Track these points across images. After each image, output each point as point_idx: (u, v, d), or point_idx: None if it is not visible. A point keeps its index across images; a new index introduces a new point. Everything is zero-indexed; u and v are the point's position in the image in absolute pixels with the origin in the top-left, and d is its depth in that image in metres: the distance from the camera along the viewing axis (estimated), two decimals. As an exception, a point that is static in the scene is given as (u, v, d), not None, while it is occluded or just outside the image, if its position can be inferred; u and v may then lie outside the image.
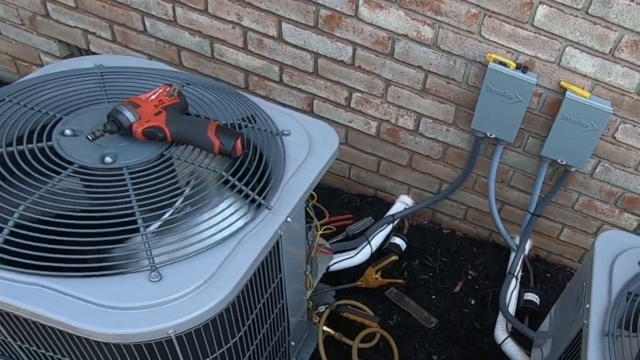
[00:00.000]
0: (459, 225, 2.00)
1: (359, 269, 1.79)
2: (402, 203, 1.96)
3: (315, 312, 1.63)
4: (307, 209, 1.30)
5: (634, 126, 1.51)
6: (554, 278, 1.93)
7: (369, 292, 1.78)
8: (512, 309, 1.69)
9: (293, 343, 1.46)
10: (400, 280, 1.79)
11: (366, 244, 1.81)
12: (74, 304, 0.82)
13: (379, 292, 1.80)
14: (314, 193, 1.27)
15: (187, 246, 0.90)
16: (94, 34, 1.91)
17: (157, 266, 0.87)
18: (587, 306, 0.97)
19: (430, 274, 1.87)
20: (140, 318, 0.82)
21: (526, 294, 1.76)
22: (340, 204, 2.07)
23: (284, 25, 1.63)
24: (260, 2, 1.60)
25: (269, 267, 1.08)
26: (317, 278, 1.50)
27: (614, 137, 1.55)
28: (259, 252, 0.95)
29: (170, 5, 1.71)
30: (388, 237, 1.90)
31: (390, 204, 2.00)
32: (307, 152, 1.14)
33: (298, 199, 1.05)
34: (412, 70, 1.60)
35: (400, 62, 1.59)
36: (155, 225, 0.90)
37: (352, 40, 1.60)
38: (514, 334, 1.64)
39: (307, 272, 1.33)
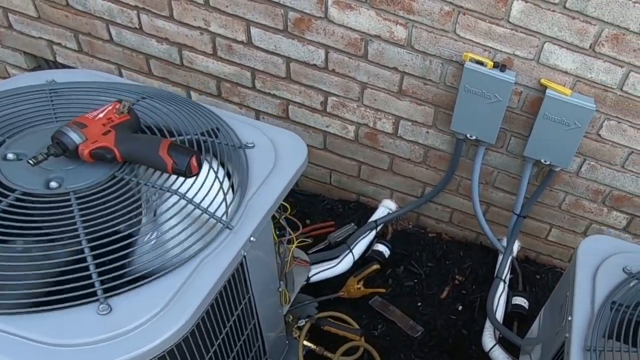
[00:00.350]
0: (445, 228, 1.96)
1: (343, 278, 1.75)
2: (386, 208, 1.92)
3: (296, 326, 1.59)
4: (280, 221, 1.26)
5: (619, 122, 1.47)
6: (543, 279, 1.89)
7: (352, 302, 1.74)
8: (500, 313, 1.65)
9: None
10: (383, 290, 1.75)
11: (348, 253, 1.77)
12: (16, 343, 0.77)
13: (363, 301, 1.75)
14: (286, 204, 1.23)
15: (140, 273, 0.86)
16: (59, 44, 1.86)
17: (106, 297, 0.82)
18: (570, 318, 0.93)
19: (416, 280, 1.83)
20: (88, 355, 0.77)
21: (514, 298, 1.72)
22: (322, 211, 2.03)
23: (253, 30, 1.59)
24: (227, 6, 1.55)
25: (235, 288, 1.04)
26: (295, 292, 1.46)
27: (599, 135, 1.51)
28: (218, 277, 0.90)
29: (135, 12, 1.66)
30: (371, 243, 1.86)
31: (373, 209, 1.96)
32: (273, 165, 1.09)
33: (262, 217, 1.00)
34: (387, 72, 1.56)
35: (375, 64, 1.55)
36: (103, 253, 0.85)
37: (324, 43, 1.55)
38: (503, 341, 1.60)
39: (280, 289, 1.29)
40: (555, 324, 1.18)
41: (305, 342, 1.56)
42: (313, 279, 1.71)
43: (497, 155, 1.65)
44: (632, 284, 0.92)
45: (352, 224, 1.93)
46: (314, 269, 1.71)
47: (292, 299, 1.44)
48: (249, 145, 1.11)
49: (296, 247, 1.39)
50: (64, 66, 1.94)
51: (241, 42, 1.63)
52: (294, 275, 1.47)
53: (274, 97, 1.76)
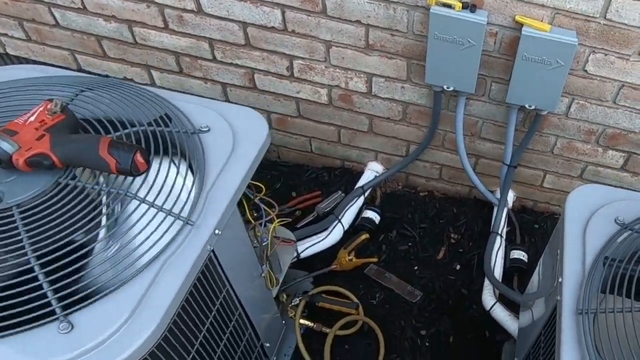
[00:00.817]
0: (436, 185, 1.94)
1: (335, 250, 1.74)
2: (372, 171, 1.89)
3: (290, 305, 1.59)
4: (257, 203, 1.23)
5: (605, 55, 1.41)
6: (542, 228, 1.88)
7: (347, 274, 1.74)
8: (498, 270, 1.65)
9: (268, 344, 1.42)
10: (375, 259, 1.74)
11: (337, 223, 1.75)
12: (-26, 375, 0.76)
13: (358, 271, 1.75)
14: (260, 185, 1.20)
15: (99, 285, 0.84)
16: (5, 34, 1.78)
17: (65, 315, 0.80)
18: (560, 280, 0.91)
19: (410, 244, 1.82)
20: (52, 378, 0.76)
21: (513, 252, 1.71)
22: (307, 181, 2.00)
23: (201, -4, 1.51)
24: (169, -27, 1.47)
25: (209, 283, 1.02)
26: (282, 273, 1.45)
27: (585, 71, 1.46)
28: (184, 278, 0.88)
29: (74, -9, 1.58)
30: (361, 210, 1.83)
31: (360, 174, 1.93)
32: (231, 148, 1.05)
33: (225, 207, 0.97)
34: (350, 27, 1.49)
35: (336, 19, 1.48)
36: (57, 268, 0.83)
37: (278, 2, 1.47)
38: (504, 297, 1.60)
39: (263, 274, 1.27)
40: (550, 281, 1.17)
41: (302, 321, 1.56)
42: (304, 255, 1.69)
43: (480, 104, 1.60)
44: (624, 236, 0.90)
45: (340, 192, 1.91)
46: (304, 244, 1.70)
47: (280, 280, 1.43)
48: (204, 129, 1.06)
49: (279, 226, 1.36)
50: (17, 58, 1.87)
51: (191, 11, 1.55)
52: (280, 255, 1.46)
53: (237, 67, 1.69)
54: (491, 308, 1.55)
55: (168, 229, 0.91)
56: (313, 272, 1.70)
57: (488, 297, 1.58)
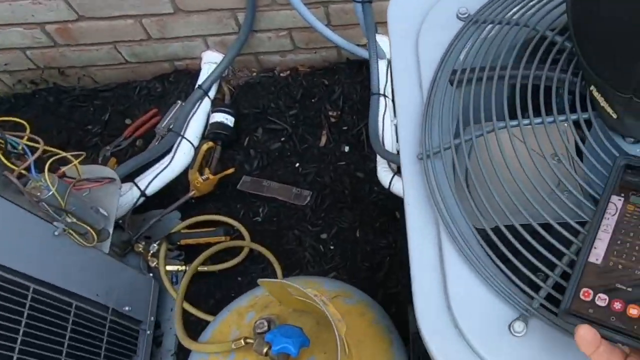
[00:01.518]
0: (296, 58, 1.62)
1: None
2: (209, 63, 1.54)
3: (150, 254, 1.30)
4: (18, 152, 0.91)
5: None
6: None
7: (218, 197, 1.44)
8: (389, 136, 1.39)
9: (128, 308, 1.15)
10: (231, 170, 1.44)
11: (180, 140, 1.42)
12: None
13: (232, 189, 1.46)
14: (22, 122, 0.95)
15: None
16: None
17: None
18: (394, 122, 0.63)
19: (283, 139, 1.53)
20: None
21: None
22: (139, 101, 1.64)
23: None
24: None
25: None
26: (109, 221, 1.12)
27: None
28: None
29: None
30: (209, 115, 1.50)
31: (198, 71, 1.57)
32: None
33: None
34: None
35: None
36: None
37: None
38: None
39: (57, 232, 0.93)
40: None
41: (169, 267, 1.32)
42: (151, 190, 1.37)
43: None
44: (471, 30, 0.60)
45: (179, 102, 1.56)
46: (145, 178, 1.37)
47: (110, 230, 1.11)
48: None
49: (80, 164, 1.04)
50: None
51: None
52: (98, 200, 1.12)
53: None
54: (390, 184, 1.32)
55: None
56: (169, 208, 1.38)
57: (384, 173, 1.33)
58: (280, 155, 1.51)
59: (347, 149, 1.51)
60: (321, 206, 1.43)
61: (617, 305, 0.39)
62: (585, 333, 0.36)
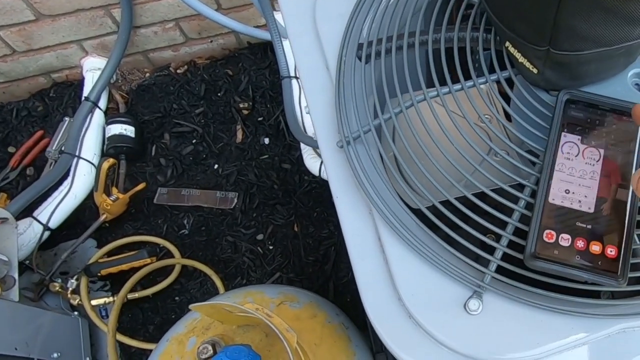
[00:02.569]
0: (192, 51, 1.57)
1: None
2: (92, 70, 1.47)
3: (69, 291, 1.25)
4: None
5: None
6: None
7: (136, 216, 1.39)
8: (310, 119, 1.39)
9: (57, 354, 1.11)
10: (142, 185, 1.39)
11: (75, 160, 1.34)
12: None
13: (149, 205, 1.40)
14: None
15: None
16: None
17: None
18: (307, 110, 0.62)
19: (195, 140, 1.49)
20: None
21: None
22: (20, 124, 1.55)
23: None
24: None
25: None
26: (11, 265, 1.05)
27: None
28: None
29: None
30: (105, 129, 1.43)
31: (82, 81, 1.49)
32: None
33: None
34: None
35: None
36: None
37: None
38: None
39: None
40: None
41: (94, 302, 1.28)
42: (54, 223, 1.30)
43: None
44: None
45: (66, 118, 1.48)
46: (44, 210, 1.29)
47: (15, 276, 1.05)
48: None
49: None
50: None
51: None
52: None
53: None
54: (320, 170, 1.31)
55: None
56: (81, 237, 1.31)
57: (310, 161, 1.33)
58: (194, 159, 1.46)
59: (267, 141, 1.49)
60: (251, 206, 1.41)
61: (580, 244, 0.42)
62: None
